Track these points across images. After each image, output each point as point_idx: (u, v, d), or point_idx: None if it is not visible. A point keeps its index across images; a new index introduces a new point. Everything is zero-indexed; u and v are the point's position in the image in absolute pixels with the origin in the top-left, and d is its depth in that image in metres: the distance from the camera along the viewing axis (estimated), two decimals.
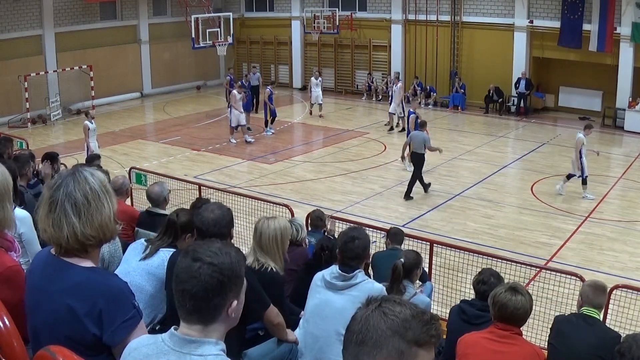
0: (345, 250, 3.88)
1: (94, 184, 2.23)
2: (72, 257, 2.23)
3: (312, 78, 21.27)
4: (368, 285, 3.84)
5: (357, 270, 3.88)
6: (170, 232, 4.17)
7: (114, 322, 2.17)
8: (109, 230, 2.27)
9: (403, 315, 1.52)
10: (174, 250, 4.05)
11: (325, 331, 3.79)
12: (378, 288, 3.89)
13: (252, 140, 17.82)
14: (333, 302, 3.81)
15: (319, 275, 4.02)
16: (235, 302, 1.96)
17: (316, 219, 7.09)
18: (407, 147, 13.54)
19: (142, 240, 4.29)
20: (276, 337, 3.85)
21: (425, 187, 13.07)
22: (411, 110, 14.40)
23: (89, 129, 13.79)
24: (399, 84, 19.05)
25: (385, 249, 6.87)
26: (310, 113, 21.49)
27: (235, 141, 17.69)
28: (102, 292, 2.18)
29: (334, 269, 3.91)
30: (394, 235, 6.73)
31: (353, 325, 1.56)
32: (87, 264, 2.24)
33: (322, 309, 3.85)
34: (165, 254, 4.01)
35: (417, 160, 12.76)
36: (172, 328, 1.96)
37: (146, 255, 4.03)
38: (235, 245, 4.67)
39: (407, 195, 12.80)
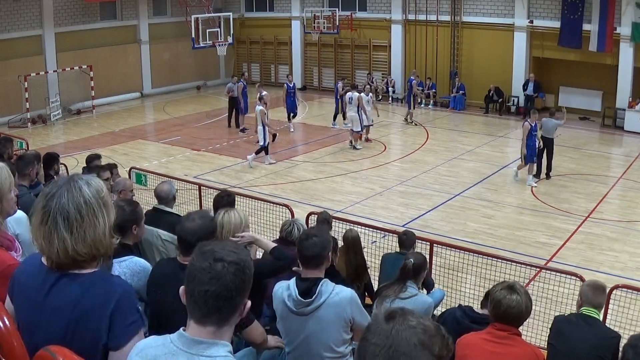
0: (301, 249, 3.51)
1: (89, 196, 2.10)
2: (67, 270, 2.12)
3: (362, 94, 16.93)
4: (336, 300, 3.46)
5: (320, 284, 3.48)
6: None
7: (118, 326, 2.10)
8: (103, 246, 2.14)
9: (430, 331, 1.56)
10: (134, 258, 3.67)
11: (307, 352, 3.59)
12: (347, 296, 3.50)
13: (361, 147, 16.89)
14: (306, 328, 3.52)
15: (279, 298, 3.60)
16: (249, 303, 1.97)
17: (322, 222, 7.05)
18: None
19: None
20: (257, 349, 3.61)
21: (539, 174, 14.03)
22: (528, 120, 14.28)
23: (265, 113, 14.01)
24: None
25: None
26: (366, 139, 17.55)
27: (360, 147, 16.80)
28: (105, 301, 2.09)
29: (293, 291, 3.50)
30: (402, 239, 6.85)
31: (378, 339, 1.54)
32: (85, 271, 2.14)
33: (296, 336, 3.58)
34: (121, 267, 3.54)
35: (547, 144, 14.12)
36: (181, 329, 1.95)
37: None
38: None
39: (547, 174, 14.16)
